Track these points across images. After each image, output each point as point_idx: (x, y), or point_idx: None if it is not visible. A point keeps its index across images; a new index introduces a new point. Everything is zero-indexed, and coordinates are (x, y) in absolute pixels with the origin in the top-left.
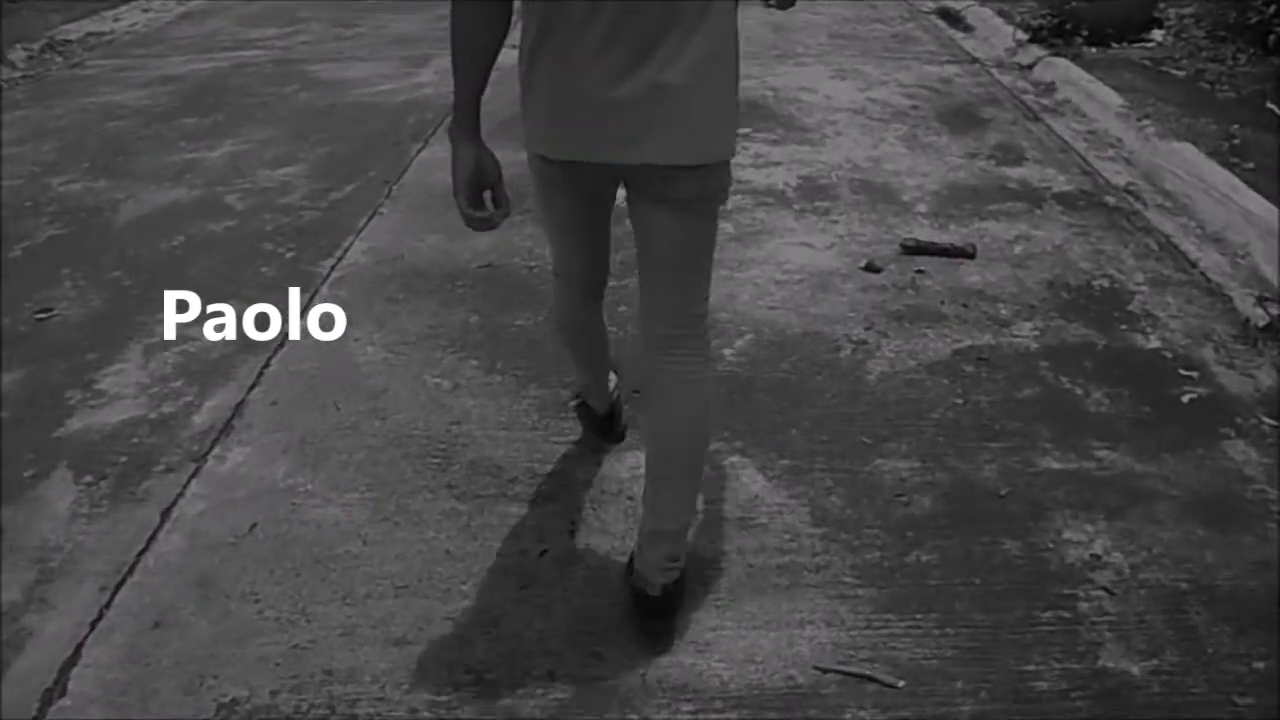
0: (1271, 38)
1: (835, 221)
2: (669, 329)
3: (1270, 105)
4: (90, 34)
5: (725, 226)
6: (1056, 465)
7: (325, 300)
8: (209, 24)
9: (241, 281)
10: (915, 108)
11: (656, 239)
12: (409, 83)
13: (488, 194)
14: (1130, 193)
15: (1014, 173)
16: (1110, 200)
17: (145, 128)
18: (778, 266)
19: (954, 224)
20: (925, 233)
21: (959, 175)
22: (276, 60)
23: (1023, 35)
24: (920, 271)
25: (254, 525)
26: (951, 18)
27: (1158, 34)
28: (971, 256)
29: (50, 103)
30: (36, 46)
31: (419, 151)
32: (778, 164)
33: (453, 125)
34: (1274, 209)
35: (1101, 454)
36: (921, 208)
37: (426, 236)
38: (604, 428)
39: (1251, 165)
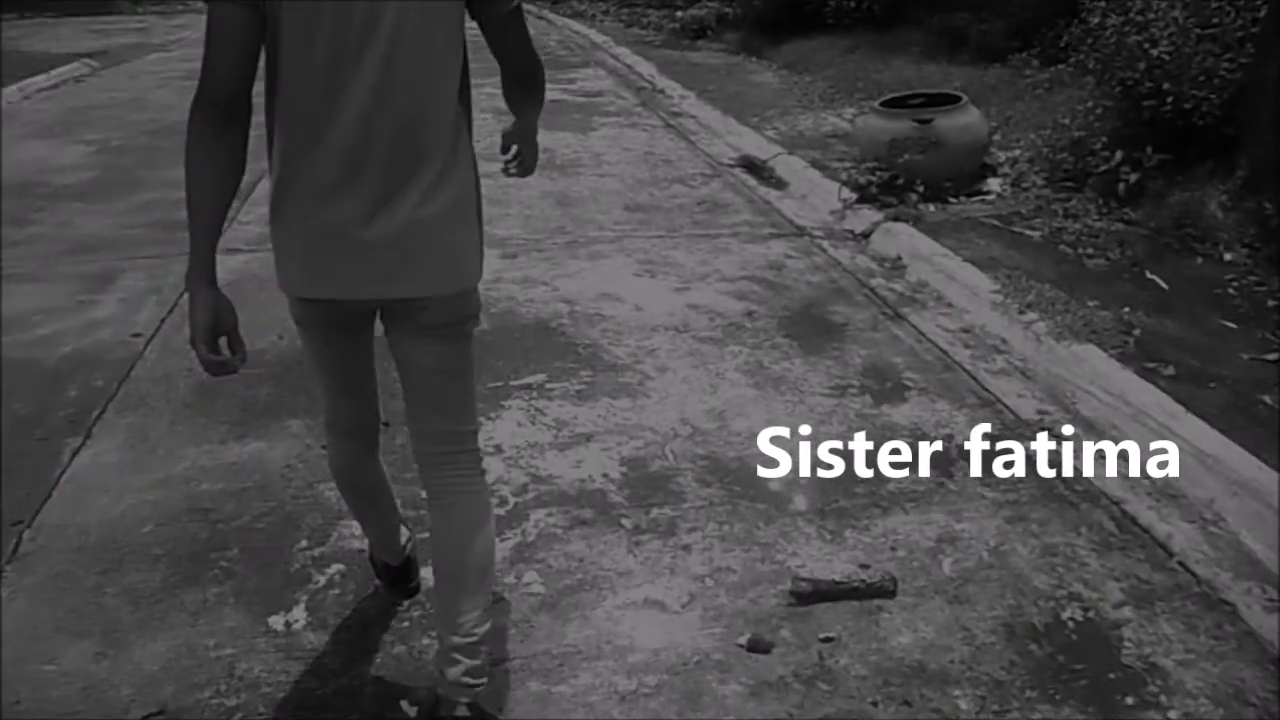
0: (1121, 187)
1: (687, 548)
2: (440, 447)
3: (1152, 276)
4: None
5: (530, 580)
6: None
7: None
8: None
9: None
10: (750, 314)
11: (417, 366)
12: (81, 320)
13: (224, 340)
14: (1048, 431)
15: (900, 415)
16: (1031, 450)
17: None
18: (618, 660)
19: (850, 527)
20: (816, 553)
21: (831, 430)
22: None
23: (849, 194)
24: (827, 639)
25: None
26: (758, 170)
27: (994, 183)
28: (891, 594)
29: None
30: None
31: (75, 454)
32: (589, 438)
33: (190, 274)
34: (1230, 444)
35: None
36: (799, 502)
37: (63, 650)
38: (398, 579)
39: (1171, 371)
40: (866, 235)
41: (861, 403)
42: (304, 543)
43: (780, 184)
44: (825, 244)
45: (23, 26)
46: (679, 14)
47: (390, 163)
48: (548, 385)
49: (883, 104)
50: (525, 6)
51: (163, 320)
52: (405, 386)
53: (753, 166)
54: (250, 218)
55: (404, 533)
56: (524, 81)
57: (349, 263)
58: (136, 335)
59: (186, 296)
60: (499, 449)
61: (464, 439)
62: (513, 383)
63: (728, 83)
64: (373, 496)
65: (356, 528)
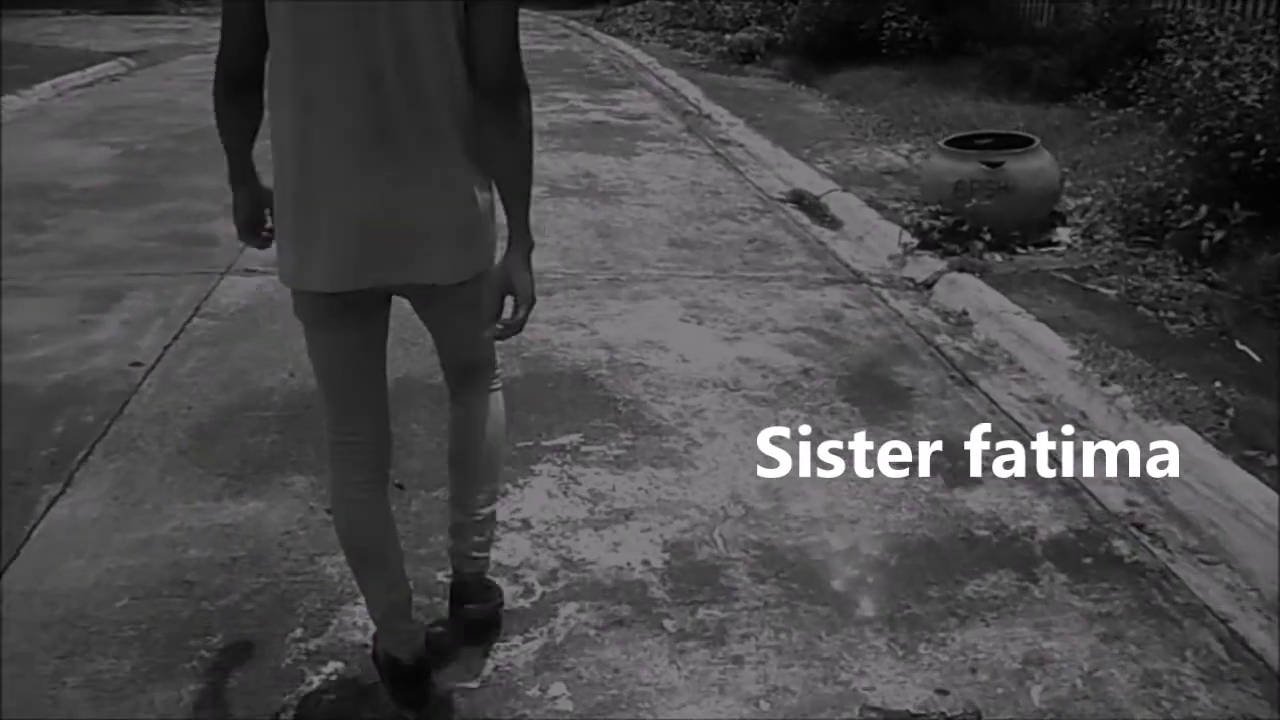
0: (1204, 244)
1: (738, 660)
2: (467, 365)
3: (1242, 346)
4: None
5: (557, 694)
6: None
7: None
8: None
9: None
10: (806, 372)
11: (442, 333)
12: (80, 342)
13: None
14: (1140, 528)
15: (973, 501)
16: (1123, 550)
17: None
18: None
19: (925, 641)
20: (886, 672)
21: (902, 518)
22: None
23: (910, 239)
24: None
25: None
26: (811, 208)
27: (1064, 233)
28: None
29: None
30: None
31: (52, 504)
32: (629, 516)
33: (230, 176)
34: None
35: None
36: (866, 606)
37: None
38: (403, 682)
39: (1274, 461)
40: (929, 285)
41: (933, 485)
42: (298, 631)
43: (835, 223)
44: (885, 293)
45: (66, 23)
46: (727, 37)
47: (399, 150)
48: (583, 448)
49: (948, 143)
50: (569, 24)
51: (166, 348)
52: (434, 339)
53: (805, 203)
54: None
55: (414, 621)
56: (492, 101)
57: (370, 250)
58: (136, 364)
59: (194, 322)
60: (526, 524)
61: (484, 363)
62: (544, 443)
63: (777, 111)
64: (380, 552)
65: (359, 614)
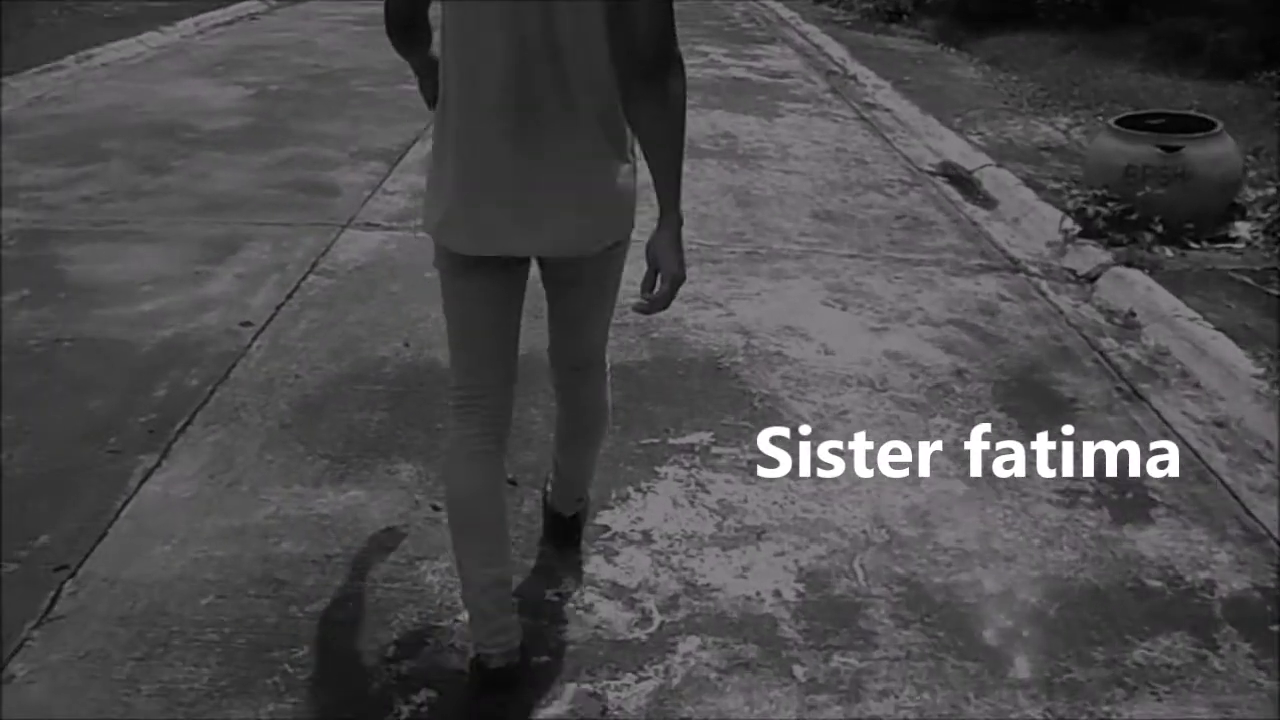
0: None
1: None
2: (576, 363)
3: None
4: None
5: None
6: None
7: None
8: None
9: None
10: (960, 374)
11: (569, 306)
12: (191, 295)
13: None
14: None
15: (1144, 543)
16: None
17: None
18: None
19: (1086, 714)
20: None
21: (1063, 557)
22: (24, 232)
23: (1071, 225)
24: None
25: None
26: (963, 183)
27: (1244, 228)
28: None
29: None
30: None
31: (146, 478)
32: (760, 535)
33: (411, 68)
34: None
35: None
36: (1021, 665)
37: None
38: (495, 688)
39: None
40: (1092, 279)
41: (1098, 519)
42: (392, 650)
43: (988, 202)
44: (1044, 285)
45: None
46: None
47: (545, 120)
48: (713, 450)
49: (1118, 122)
50: None
51: (279, 307)
52: (552, 312)
53: (956, 177)
54: (397, 186)
55: (512, 616)
56: (642, 75)
57: (512, 219)
58: (246, 324)
59: (309, 279)
60: (647, 537)
61: (596, 352)
62: (671, 441)
63: (925, 74)
64: (487, 514)
65: (459, 632)
